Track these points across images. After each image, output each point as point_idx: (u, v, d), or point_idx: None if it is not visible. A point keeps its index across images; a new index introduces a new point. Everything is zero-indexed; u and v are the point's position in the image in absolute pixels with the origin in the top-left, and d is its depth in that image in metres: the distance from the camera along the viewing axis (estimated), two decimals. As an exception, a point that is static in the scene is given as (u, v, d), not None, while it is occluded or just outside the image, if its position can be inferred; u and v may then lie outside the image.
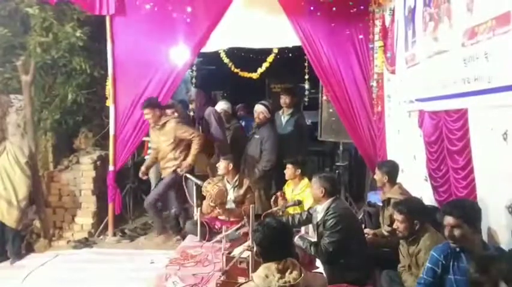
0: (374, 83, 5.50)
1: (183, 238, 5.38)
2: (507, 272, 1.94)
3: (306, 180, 4.84)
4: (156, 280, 3.86)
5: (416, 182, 4.33)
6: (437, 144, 3.80)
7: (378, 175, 4.16)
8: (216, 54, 7.36)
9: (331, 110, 6.54)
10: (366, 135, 5.79)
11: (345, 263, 3.58)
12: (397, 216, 3.23)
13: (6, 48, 5.98)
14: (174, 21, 5.78)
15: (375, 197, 5.05)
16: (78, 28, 5.97)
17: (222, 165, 5.10)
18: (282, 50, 7.46)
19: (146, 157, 6.94)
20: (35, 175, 5.68)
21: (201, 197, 5.12)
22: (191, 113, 6.68)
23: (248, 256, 3.36)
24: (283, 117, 6.57)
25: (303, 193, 4.76)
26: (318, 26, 5.66)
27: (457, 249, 2.66)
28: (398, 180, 4.17)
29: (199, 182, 5.02)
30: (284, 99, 6.52)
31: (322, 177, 3.89)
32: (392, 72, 5.11)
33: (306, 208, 4.41)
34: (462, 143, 3.24)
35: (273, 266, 2.35)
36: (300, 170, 4.93)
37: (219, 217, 4.93)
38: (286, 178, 5.04)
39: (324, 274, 3.33)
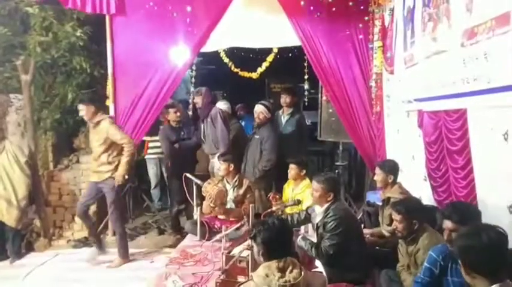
0: (373, 83, 5.51)
1: (183, 237, 5.39)
2: None
3: (307, 180, 4.84)
4: (156, 279, 3.86)
5: (415, 181, 4.33)
6: (437, 144, 3.80)
7: (381, 175, 4.15)
8: (216, 54, 7.36)
9: (330, 110, 6.55)
10: (366, 135, 5.79)
11: (344, 263, 3.59)
12: (396, 216, 3.24)
13: (6, 48, 6.00)
14: (174, 20, 5.77)
15: (374, 197, 5.06)
16: (78, 27, 5.99)
17: (222, 167, 5.09)
18: (281, 50, 7.47)
19: (146, 157, 6.95)
20: (35, 174, 5.69)
21: (201, 197, 5.13)
22: (190, 113, 6.68)
23: (248, 255, 3.37)
24: (283, 117, 6.58)
25: (303, 193, 4.76)
26: (317, 26, 5.66)
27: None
28: (397, 180, 4.18)
29: (199, 182, 5.03)
30: (284, 99, 6.52)
31: (331, 180, 3.86)
32: (391, 72, 5.12)
33: (304, 208, 4.41)
34: (462, 143, 3.25)
35: (273, 265, 2.35)
36: (304, 171, 4.93)
37: (219, 217, 4.94)
38: (290, 178, 5.03)
39: (324, 274, 3.34)
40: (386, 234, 4.00)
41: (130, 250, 5.60)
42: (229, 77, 8.09)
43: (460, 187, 3.26)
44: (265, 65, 7.58)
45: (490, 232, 2.01)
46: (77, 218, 6.15)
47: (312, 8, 5.54)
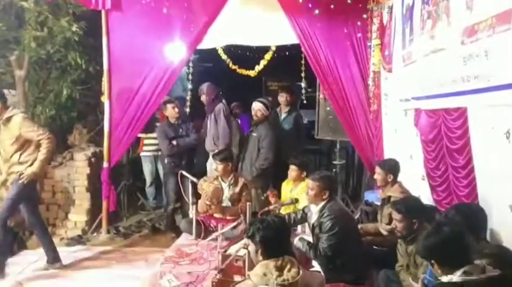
0: (371, 82, 5.48)
1: (178, 235, 5.34)
2: None
3: (306, 181, 4.79)
4: (150, 278, 3.81)
5: (413, 181, 4.30)
6: (435, 143, 3.78)
7: (381, 174, 4.12)
8: (213, 51, 7.31)
9: (328, 108, 6.52)
10: (363, 134, 5.76)
11: (342, 263, 3.56)
12: (396, 215, 3.20)
13: (0, 43, 5.91)
14: (171, 17, 5.73)
15: (372, 196, 5.04)
16: (73, 23, 5.90)
17: (219, 167, 5.00)
18: (279, 48, 7.43)
19: (142, 154, 6.89)
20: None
21: (196, 195, 5.08)
22: (187, 110, 6.63)
23: (244, 254, 3.32)
24: (281, 115, 6.54)
25: (301, 194, 4.71)
26: (315, 23, 5.63)
27: None
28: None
29: (195, 179, 4.98)
30: (285, 98, 6.51)
31: (327, 178, 3.84)
32: (389, 70, 5.09)
33: (300, 207, 4.37)
34: (462, 142, 3.22)
35: (271, 263, 2.31)
36: (305, 173, 4.82)
37: (215, 215, 4.89)
38: (290, 179, 4.97)
39: (322, 273, 3.30)
40: (384, 233, 3.97)
41: (124, 248, 5.56)
42: (226, 75, 8.03)
43: (461, 186, 3.23)
44: (263, 62, 7.53)
45: (447, 228, 2.26)
46: (70, 216, 6.10)
47: (310, 5, 5.50)
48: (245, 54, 7.93)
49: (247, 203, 4.51)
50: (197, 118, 6.91)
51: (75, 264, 5.07)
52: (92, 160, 6.24)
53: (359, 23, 5.61)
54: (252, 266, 2.63)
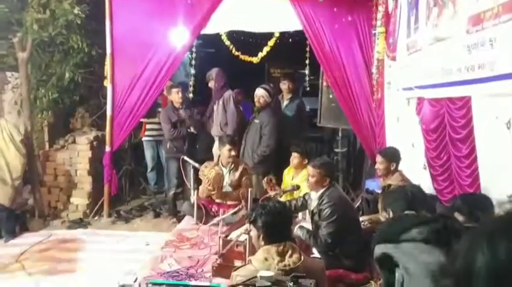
0: (374, 70, 5.45)
1: (179, 220, 5.36)
2: None
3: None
4: (151, 262, 3.84)
5: (415, 170, 4.30)
6: (437, 132, 3.76)
7: (383, 163, 4.11)
8: (216, 37, 7.26)
9: (331, 96, 6.48)
10: (365, 122, 5.75)
11: (341, 250, 3.58)
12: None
13: (3, 25, 5.88)
14: (175, 1, 5.69)
15: (373, 185, 5.03)
16: (76, 5, 5.86)
17: (228, 151, 4.94)
18: (283, 35, 7.37)
19: (144, 139, 6.89)
20: (31, 154, 5.63)
21: (198, 181, 5.09)
22: (191, 95, 6.62)
23: (245, 240, 3.34)
24: (283, 102, 6.52)
25: (303, 181, 4.71)
26: (320, 10, 5.59)
27: None
28: (398, 168, 4.15)
29: (197, 165, 4.98)
30: (287, 85, 6.49)
31: (327, 165, 3.84)
32: (393, 58, 5.06)
33: (301, 194, 4.37)
34: (466, 131, 3.21)
35: (272, 249, 2.32)
36: (307, 160, 4.77)
37: (216, 201, 4.90)
38: (292, 166, 4.97)
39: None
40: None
41: (126, 232, 5.58)
42: (229, 61, 7.98)
43: (464, 176, 3.22)
44: (266, 49, 7.48)
45: None
46: (72, 199, 6.13)
47: (314, -8, 5.46)
48: (248, 41, 7.87)
49: (249, 189, 4.52)
50: (199, 104, 6.91)
51: (76, 247, 5.10)
52: (94, 143, 6.25)
53: (364, 11, 5.56)
54: (253, 251, 2.65)
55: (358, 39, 5.65)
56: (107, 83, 5.90)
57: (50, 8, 5.82)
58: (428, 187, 3.95)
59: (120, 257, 4.78)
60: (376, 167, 4.25)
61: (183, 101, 6.08)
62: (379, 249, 1.74)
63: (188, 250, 4.05)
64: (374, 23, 5.40)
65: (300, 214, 4.51)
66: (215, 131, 6.18)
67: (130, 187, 6.73)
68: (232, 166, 4.99)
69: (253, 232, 2.54)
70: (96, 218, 6.06)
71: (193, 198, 4.80)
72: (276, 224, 2.42)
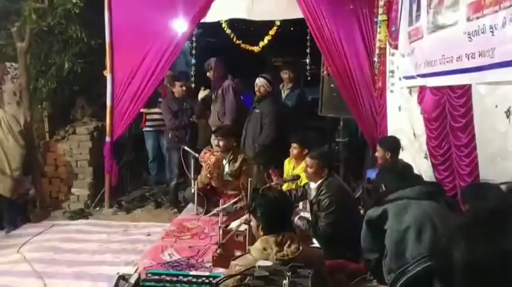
0: (376, 58, 5.40)
1: (180, 210, 5.36)
2: None
3: None
4: (152, 252, 3.84)
5: (416, 159, 4.27)
6: (439, 121, 3.73)
7: (380, 152, 4.10)
8: (216, 26, 7.21)
9: (332, 85, 6.43)
10: (367, 112, 5.70)
11: (341, 240, 3.56)
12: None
13: (1, 15, 5.84)
14: (174, -11, 5.64)
15: (374, 174, 5.00)
16: (74, -5, 5.81)
17: (220, 143, 4.91)
18: (284, 24, 7.31)
19: (144, 129, 6.87)
20: (31, 145, 5.62)
21: (198, 171, 5.08)
22: (192, 85, 6.59)
23: (245, 230, 3.33)
24: (283, 91, 6.48)
25: (303, 172, 4.69)
26: (321, -2, 5.53)
27: None
28: (399, 157, 4.12)
29: (197, 155, 4.97)
30: (288, 74, 6.44)
31: (325, 155, 3.82)
32: (395, 47, 5.00)
33: (301, 184, 4.35)
34: (465, 120, 3.17)
35: (271, 239, 2.31)
36: (307, 150, 4.67)
37: (217, 189, 4.88)
38: (291, 157, 4.94)
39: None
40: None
41: (127, 222, 5.59)
42: (229, 50, 7.94)
43: (463, 165, 3.19)
44: (267, 38, 7.42)
45: None
46: (73, 190, 6.13)
47: (316, -21, 5.39)
48: (249, 29, 7.82)
49: (249, 179, 4.50)
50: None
51: (78, 237, 5.11)
52: (95, 134, 6.24)
53: (365, -2, 5.50)
54: (253, 241, 2.64)
55: (360, 28, 5.58)
56: (107, 73, 5.87)
57: (48, -3, 5.78)
58: (429, 177, 3.93)
59: (121, 247, 4.80)
60: (376, 155, 4.24)
61: (187, 94, 6.08)
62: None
63: (188, 240, 4.05)
64: (376, 10, 5.33)
65: (301, 204, 4.49)
66: (212, 121, 6.14)
67: (131, 178, 6.73)
68: (232, 156, 4.98)
69: (253, 222, 2.53)
70: (97, 208, 6.08)
71: (193, 188, 4.78)
72: (275, 214, 2.41)
